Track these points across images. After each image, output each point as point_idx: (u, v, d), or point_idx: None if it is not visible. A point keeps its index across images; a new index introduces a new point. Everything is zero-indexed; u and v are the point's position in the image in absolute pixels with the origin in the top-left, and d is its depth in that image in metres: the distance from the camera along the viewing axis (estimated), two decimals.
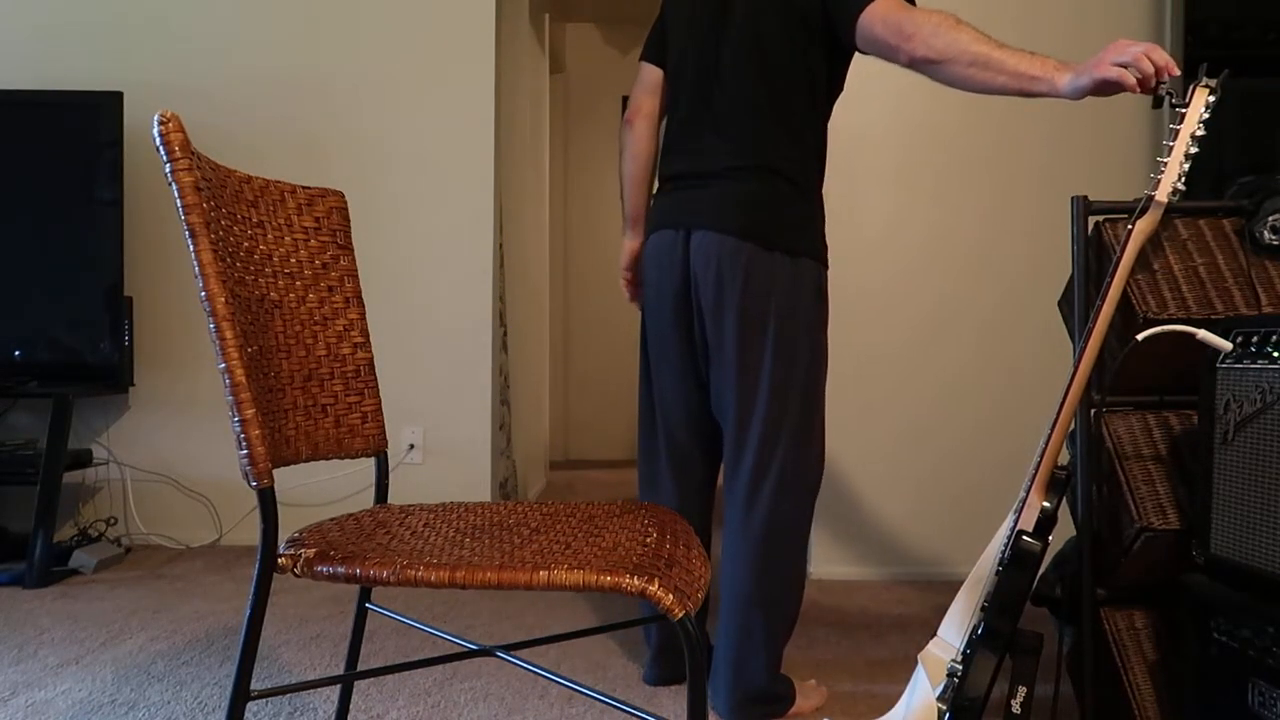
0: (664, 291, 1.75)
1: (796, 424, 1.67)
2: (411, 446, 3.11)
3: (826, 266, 1.73)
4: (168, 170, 0.99)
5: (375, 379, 1.36)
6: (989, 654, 1.30)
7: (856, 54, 1.66)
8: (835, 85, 1.75)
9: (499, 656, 1.17)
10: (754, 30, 1.68)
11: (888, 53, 1.56)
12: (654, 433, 1.84)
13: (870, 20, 1.56)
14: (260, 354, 1.14)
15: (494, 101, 3.11)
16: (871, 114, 2.78)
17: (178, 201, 0.99)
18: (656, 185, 1.86)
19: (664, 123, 1.87)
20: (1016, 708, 1.29)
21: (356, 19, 3.12)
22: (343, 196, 1.36)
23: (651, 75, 1.88)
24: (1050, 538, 1.32)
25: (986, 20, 2.75)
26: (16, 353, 2.85)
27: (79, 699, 1.76)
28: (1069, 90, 1.36)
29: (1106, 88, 1.33)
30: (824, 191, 1.90)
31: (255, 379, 1.08)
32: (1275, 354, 1.20)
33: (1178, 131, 1.35)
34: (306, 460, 1.21)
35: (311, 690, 1.79)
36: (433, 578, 0.94)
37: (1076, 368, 1.35)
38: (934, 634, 1.41)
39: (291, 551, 1.02)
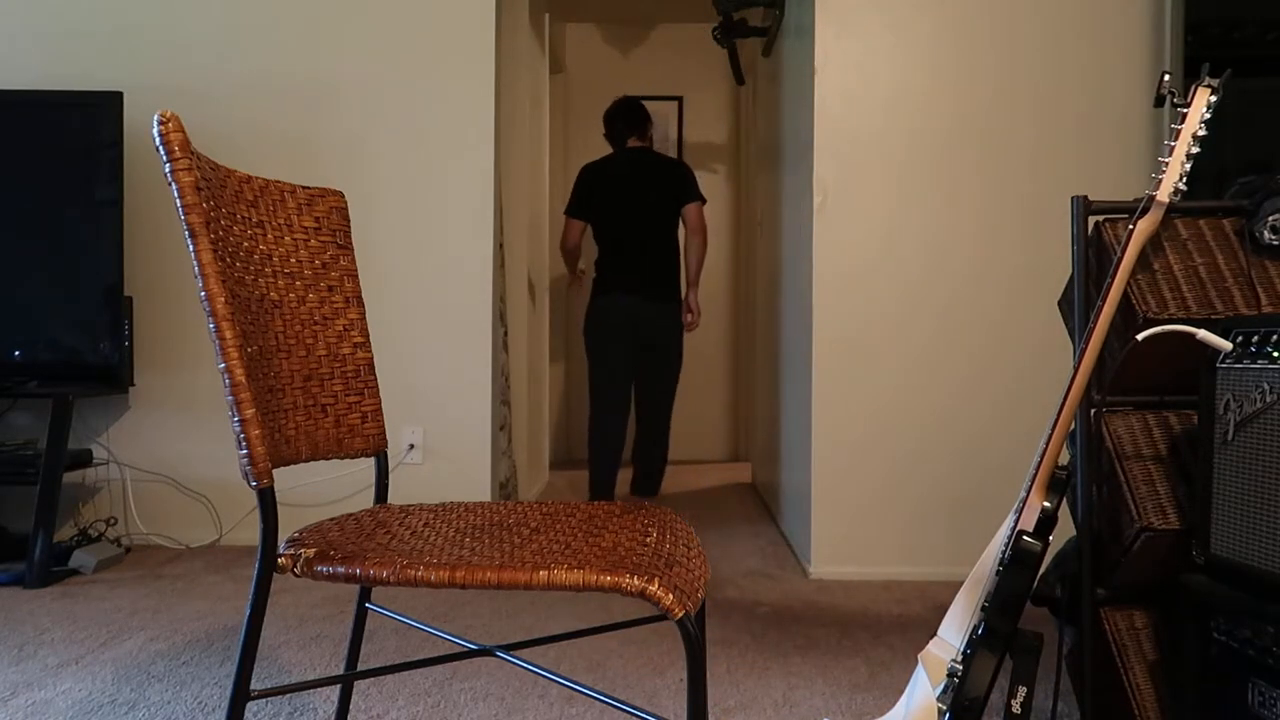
0: (622, 324, 3.85)
1: (676, 382, 4.06)
2: (411, 446, 3.11)
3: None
4: (168, 170, 0.99)
5: (375, 379, 1.36)
6: (989, 654, 1.30)
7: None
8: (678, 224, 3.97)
9: (499, 656, 1.17)
10: (659, 205, 3.87)
11: (688, 227, 3.89)
12: (611, 390, 3.90)
13: (690, 210, 3.88)
14: (260, 354, 1.14)
15: (494, 101, 3.11)
16: (863, 127, 2.78)
17: (178, 201, 0.99)
18: (602, 270, 3.90)
19: (603, 239, 3.95)
20: (1016, 708, 1.29)
21: (357, 20, 3.12)
22: (342, 196, 1.36)
23: (579, 225, 3.94)
24: (1050, 538, 1.32)
25: (987, 18, 2.75)
26: (16, 353, 2.85)
27: (79, 699, 1.76)
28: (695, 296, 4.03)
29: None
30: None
31: (255, 379, 1.08)
32: (1275, 354, 1.20)
33: (1179, 131, 1.35)
34: (306, 460, 1.21)
35: (311, 690, 1.79)
36: (433, 578, 0.94)
37: (1077, 368, 1.35)
38: (934, 634, 1.41)
39: (291, 551, 1.02)
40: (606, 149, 5.62)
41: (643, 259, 3.81)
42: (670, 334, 3.92)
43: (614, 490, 3.97)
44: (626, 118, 3.93)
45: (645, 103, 5.55)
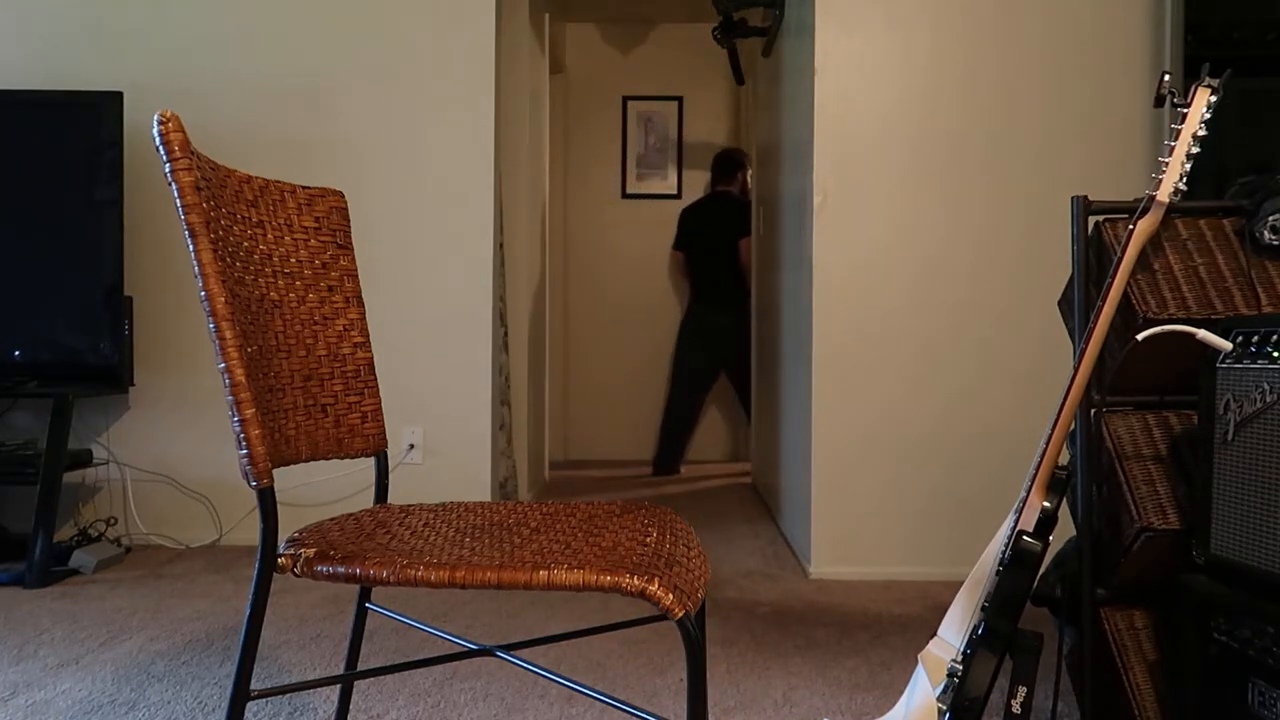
0: (699, 329, 4.94)
1: (749, 368, 4.85)
2: (411, 446, 3.11)
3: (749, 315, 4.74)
4: (167, 170, 0.99)
5: (375, 379, 1.36)
6: (989, 654, 1.30)
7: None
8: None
9: (499, 656, 1.17)
10: (725, 238, 4.88)
11: (739, 257, 4.88)
12: (689, 378, 4.94)
13: (741, 246, 4.85)
14: (260, 354, 1.14)
15: (494, 101, 3.11)
16: (864, 127, 2.78)
17: (178, 201, 0.99)
18: (692, 287, 5.03)
19: (689, 264, 5.06)
20: (1016, 708, 1.28)
21: (357, 20, 3.12)
22: (342, 196, 1.36)
23: (681, 256, 5.12)
24: (1050, 538, 1.32)
25: (989, 17, 2.75)
26: (16, 353, 2.85)
27: (79, 699, 1.76)
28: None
29: None
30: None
31: (255, 379, 1.08)
32: (1275, 354, 1.20)
33: (1179, 131, 1.35)
34: (306, 460, 1.21)
35: (311, 690, 1.79)
36: (433, 577, 0.94)
37: (1077, 368, 1.35)
38: (934, 634, 1.41)
39: (291, 551, 1.02)
40: (604, 150, 5.90)
41: (714, 279, 4.93)
42: (737, 334, 4.90)
43: (677, 467, 4.97)
44: (717, 168, 5.02)
45: (645, 103, 5.58)
